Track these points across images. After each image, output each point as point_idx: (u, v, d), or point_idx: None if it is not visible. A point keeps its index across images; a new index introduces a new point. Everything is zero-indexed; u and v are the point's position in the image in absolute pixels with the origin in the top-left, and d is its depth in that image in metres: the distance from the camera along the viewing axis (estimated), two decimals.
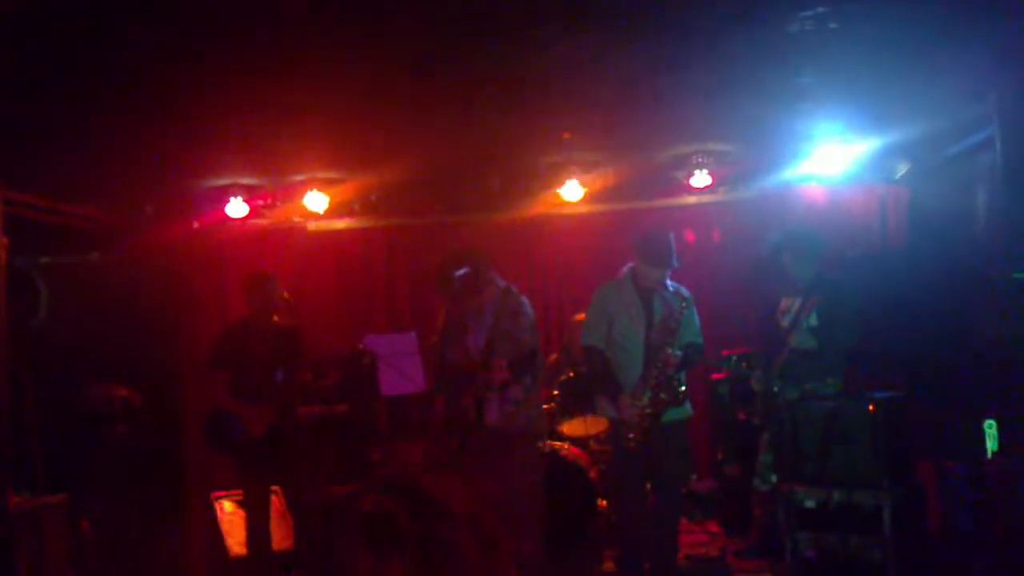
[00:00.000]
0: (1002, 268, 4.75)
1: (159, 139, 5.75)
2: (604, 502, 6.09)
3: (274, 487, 5.84)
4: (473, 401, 4.83)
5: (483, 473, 4.86)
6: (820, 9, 4.35)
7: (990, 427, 4.98)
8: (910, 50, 4.78)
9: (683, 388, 5.09)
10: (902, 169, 6.83)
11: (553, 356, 6.67)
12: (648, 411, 4.99)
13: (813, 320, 5.15)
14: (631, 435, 5.00)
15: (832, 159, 6.76)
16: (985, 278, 5.39)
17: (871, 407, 5.09)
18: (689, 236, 7.43)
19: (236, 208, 6.94)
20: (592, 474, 5.94)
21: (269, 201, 7.13)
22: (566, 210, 7.35)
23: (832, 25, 4.50)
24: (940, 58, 4.84)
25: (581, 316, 6.11)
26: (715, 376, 6.66)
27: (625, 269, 5.31)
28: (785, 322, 5.33)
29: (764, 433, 5.32)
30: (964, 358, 5.58)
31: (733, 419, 6.30)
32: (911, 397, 5.62)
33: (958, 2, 4.27)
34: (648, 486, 5.23)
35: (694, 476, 6.83)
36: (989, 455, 5.00)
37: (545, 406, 6.29)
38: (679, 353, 5.01)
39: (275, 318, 5.75)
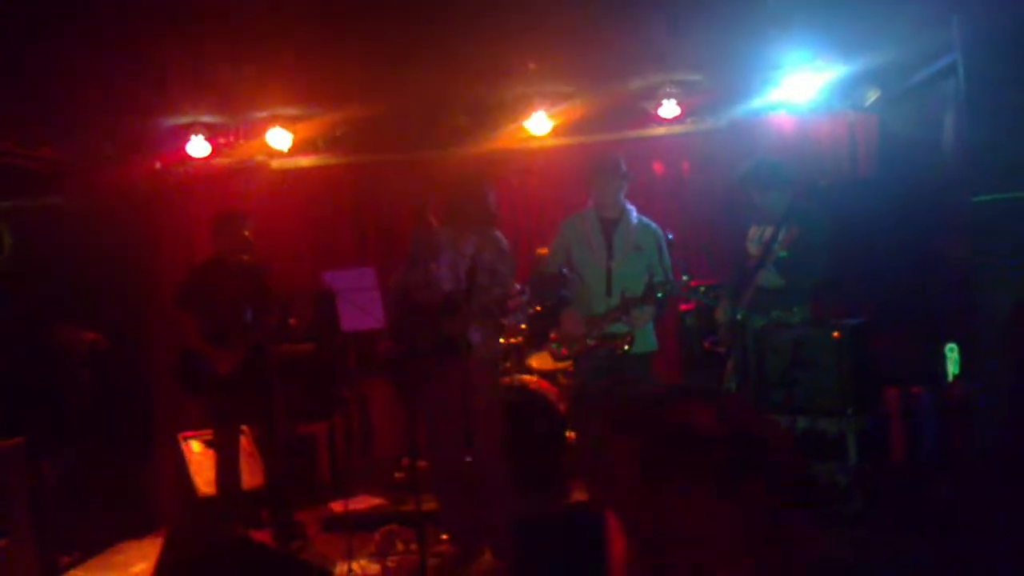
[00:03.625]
0: (963, 192, 4.70)
1: (115, 76, 5.61)
2: (573, 434, 6.10)
3: (242, 426, 5.81)
4: (459, 331, 4.78)
5: (458, 404, 4.84)
6: None
7: (951, 351, 4.98)
8: None
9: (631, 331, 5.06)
10: (871, 97, 6.73)
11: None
12: (592, 342, 5.02)
13: (784, 252, 5.09)
14: (564, 351, 5.06)
15: (801, 87, 6.66)
16: (947, 203, 5.36)
17: (836, 334, 5.09)
18: (658, 168, 7.34)
19: (198, 147, 6.78)
20: (561, 407, 5.94)
21: (232, 139, 6.97)
22: (534, 144, 7.24)
23: None
24: None
25: (544, 250, 6.07)
26: (684, 307, 6.63)
27: (591, 202, 5.29)
28: (753, 249, 5.29)
29: (728, 362, 5.31)
30: (928, 283, 5.58)
31: (700, 350, 6.30)
32: (877, 323, 5.62)
33: None
34: None
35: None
36: (950, 378, 5.02)
37: (514, 339, 6.28)
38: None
39: (244, 257, 5.67)
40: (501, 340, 6.09)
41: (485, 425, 4.85)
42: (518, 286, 4.68)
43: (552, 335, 5.40)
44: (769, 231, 5.22)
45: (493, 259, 4.87)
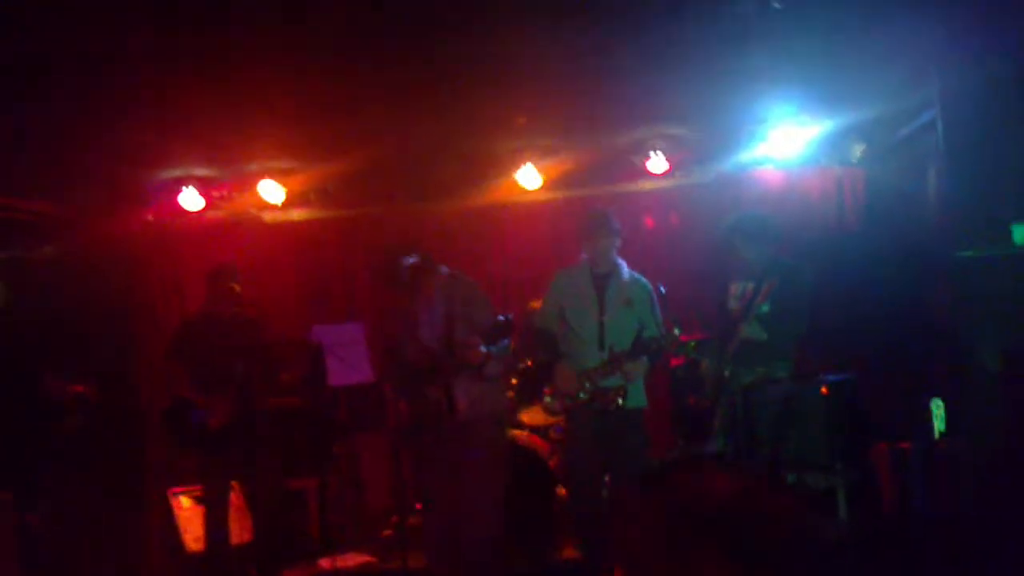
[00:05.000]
0: (946, 247, 4.77)
1: (109, 130, 5.68)
2: (564, 491, 6.09)
3: (234, 482, 5.79)
4: (442, 391, 4.80)
5: (455, 462, 4.86)
6: None
7: (937, 407, 5.01)
8: (856, 31, 4.80)
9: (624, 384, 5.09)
10: (857, 151, 6.83)
11: (511, 344, 6.66)
12: (584, 396, 5.04)
13: (765, 307, 5.13)
14: (557, 405, 5.08)
15: (787, 141, 6.77)
16: (932, 258, 5.42)
17: (824, 389, 5.12)
18: (648, 221, 7.41)
19: (190, 199, 6.86)
20: (551, 462, 5.93)
21: (224, 192, 7.06)
22: (524, 198, 7.32)
23: (776, 5, 4.51)
24: (886, 39, 4.86)
25: (536, 303, 6.11)
26: (674, 362, 6.65)
27: (584, 256, 5.35)
28: (735, 306, 5.33)
29: (714, 419, 5.32)
30: (915, 337, 5.62)
31: (685, 405, 6.31)
32: (864, 379, 5.65)
33: None
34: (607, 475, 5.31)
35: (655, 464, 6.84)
36: (936, 435, 5.04)
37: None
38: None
39: (238, 310, 5.71)
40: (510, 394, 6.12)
41: (480, 483, 4.84)
42: (475, 338, 4.69)
43: (546, 390, 5.41)
44: (750, 286, 5.26)
45: (467, 308, 4.89)
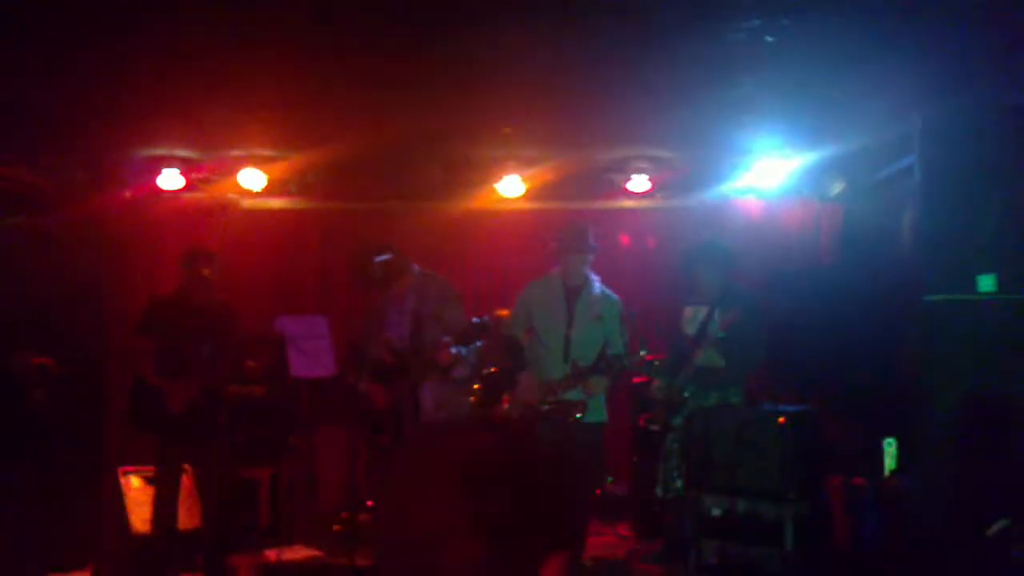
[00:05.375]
0: (916, 291, 4.83)
1: (95, 104, 5.68)
2: None
3: (185, 465, 5.76)
4: (407, 392, 4.80)
5: (414, 463, 4.84)
6: (756, 22, 4.41)
7: (889, 445, 5.06)
8: (841, 67, 4.88)
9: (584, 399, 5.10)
10: (837, 187, 6.91)
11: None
12: (544, 408, 5.06)
13: (720, 333, 5.16)
14: (513, 413, 5.09)
15: (770, 172, 6.84)
16: (900, 299, 5.48)
17: (781, 419, 5.16)
18: (624, 240, 7.46)
19: (170, 180, 6.83)
20: None
21: (205, 175, 7.04)
22: (505, 206, 7.35)
23: (768, 38, 4.56)
24: (870, 78, 4.93)
25: (505, 312, 6.14)
26: (636, 380, 6.68)
27: (556, 269, 5.38)
28: (689, 330, 5.37)
29: (665, 441, 5.34)
30: (878, 375, 5.68)
31: (635, 424, 6.35)
32: (824, 411, 5.70)
33: (888, 25, 4.35)
34: None
35: (609, 479, 6.87)
36: (887, 472, 5.09)
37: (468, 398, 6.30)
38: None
39: (210, 295, 5.69)
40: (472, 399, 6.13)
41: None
42: (447, 338, 4.70)
43: (504, 397, 5.41)
44: (704, 311, 5.30)
45: (438, 306, 4.90)
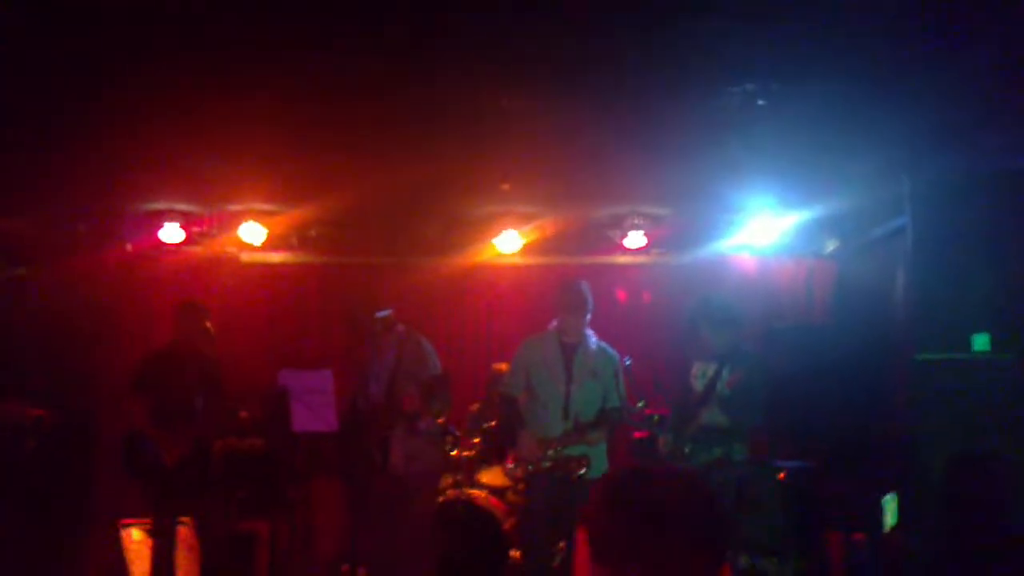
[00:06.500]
0: (908, 350, 5.02)
1: (96, 158, 5.84)
2: (518, 553, 6.20)
3: (184, 518, 5.85)
4: (377, 443, 4.96)
5: (383, 520, 5.00)
6: (748, 86, 4.65)
7: (890, 501, 5.20)
8: (830, 130, 5.10)
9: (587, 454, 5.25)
10: (830, 245, 7.14)
11: (476, 405, 6.82)
12: (547, 464, 5.18)
13: (727, 391, 5.32)
14: (519, 472, 5.21)
15: (764, 230, 7.06)
16: (893, 357, 5.67)
17: (781, 475, 5.31)
18: (620, 295, 7.65)
19: (170, 233, 7.00)
20: (506, 525, 6.05)
21: (205, 228, 7.19)
22: (502, 261, 7.53)
23: (760, 102, 4.80)
24: (858, 140, 5.17)
25: (503, 366, 6.29)
26: (637, 435, 6.82)
27: (553, 324, 5.52)
28: (697, 386, 5.52)
29: None
30: (874, 431, 5.84)
31: None
32: (823, 468, 5.85)
33: (877, 89, 4.58)
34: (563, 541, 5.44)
35: None
36: (887, 529, 5.22)
37: (466, 453, 6.43)
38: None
39: (201, 347, 5.85)
40: (454, 453, 6.27)
41: (411, 542, 4.98)
42: (411, 390, 4.88)
43: (509, 457, 5.52)
44: (712, 368, 5.47)
45: (414, 365, 5.08)
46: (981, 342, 4.95)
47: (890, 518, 5.26)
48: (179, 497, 5.60)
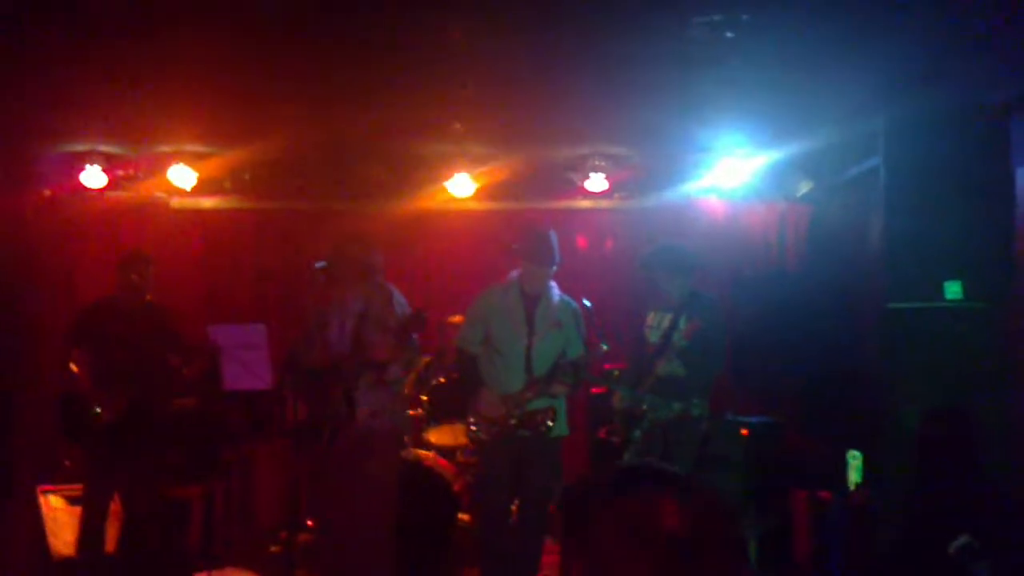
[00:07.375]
0: (880, 298, 4.92)
1: (9, 97, 5.54)
2: (467, 516, 6.09)
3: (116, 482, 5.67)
4: (342, 394, 4.79)
5: (347, 476, 4.84)
6: (716, 17, 4.46)
7: (854, 458, 5.15)
8: (803, 64, 4.94)
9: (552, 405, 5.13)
10: (804, 187, 7.01)
11: (425, 360, 6.66)
12: (514, 422, 5.06)
13: (684, 342, 5.19)
14: (483, 434, 5.08)
15: (732, 172, 6.91)
16: (865, 306, 5.58)
17: (744, 431, 5.23)
18: (581, 242, 7.49)
19: (93, 177, 6.72)
20: (456, 486, 5.93)
21: (131, 172, 6.94)
22: (454, 206, 7.35)
23: (728, 34, 4.61)
24: (832, 75, 5.00)
25: (457, 318, 6.13)
26: (595, 391, 6.71)
27: (513, 274, 5.36)
28: (652, 338, 5.40)
29: (625, 453, 5.37)
30: (842, 385, 5.77)
31: (596, 436, 6.36)
32: (789, 423, 5.78)
33: (851, 21, 4.41)
34: (515, 501, 5.32)
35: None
36: (852, 486, 5.17)
37: (413, 412, 6.28)
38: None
39: (148, 298, 5.64)
40: (410, 412, 6.13)
41: (370, 503, 4.84)
42: (384, 336, 4.72)
43: (470, 419, 5.36)
44: (668, 318, 5.34)
45: (383, 313, 4.90)
46: (953, 290, 4.87)
47: (855, 475, 5.20)
48: (118, 459, 5.41)
